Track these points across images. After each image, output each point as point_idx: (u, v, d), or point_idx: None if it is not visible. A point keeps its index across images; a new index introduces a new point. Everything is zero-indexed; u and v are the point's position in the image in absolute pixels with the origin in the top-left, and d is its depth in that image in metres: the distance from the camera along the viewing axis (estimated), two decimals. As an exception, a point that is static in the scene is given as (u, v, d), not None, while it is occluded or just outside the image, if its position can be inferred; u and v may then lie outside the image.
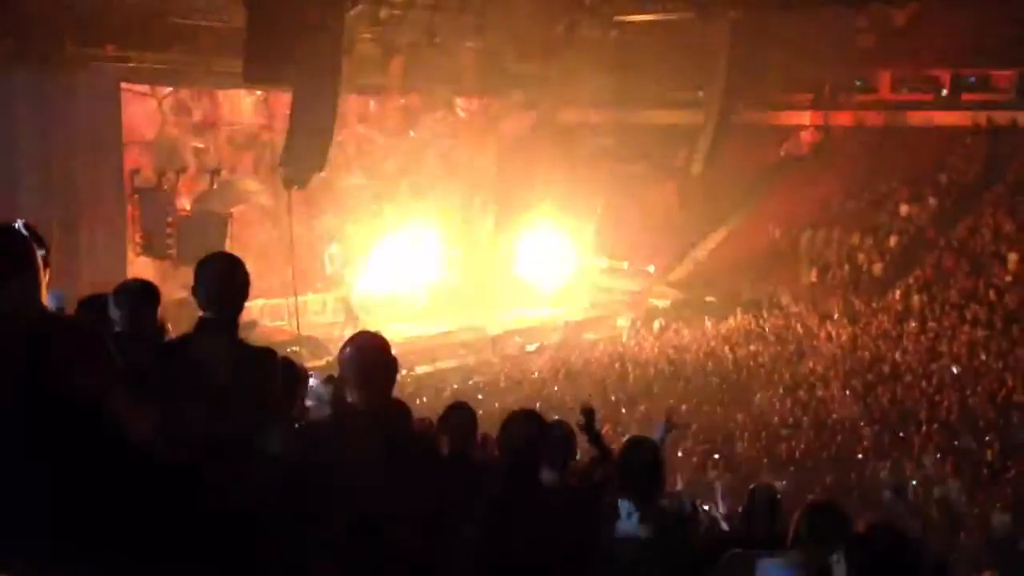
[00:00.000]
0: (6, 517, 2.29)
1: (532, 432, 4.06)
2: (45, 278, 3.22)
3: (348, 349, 3.38)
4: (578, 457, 5.67)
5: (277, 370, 3.43)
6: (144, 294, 3.97)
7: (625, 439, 4.98)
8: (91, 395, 2.46)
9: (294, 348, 19.56)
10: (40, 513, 2.32)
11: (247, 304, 3.50)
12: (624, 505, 4.19)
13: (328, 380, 5.27)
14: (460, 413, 5.63)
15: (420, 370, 21.62)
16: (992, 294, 21.84)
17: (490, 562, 3.61)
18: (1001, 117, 26.33)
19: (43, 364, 2.43)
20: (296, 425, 3.71)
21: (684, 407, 18.13)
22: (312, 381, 5.39)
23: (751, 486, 5.75)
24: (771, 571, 4.00)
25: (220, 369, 3.28)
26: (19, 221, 3.23)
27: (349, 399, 3.44)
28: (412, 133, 29.68)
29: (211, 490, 3.02)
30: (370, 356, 3.37)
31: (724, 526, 7.08)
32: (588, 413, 6.04)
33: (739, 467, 14.95)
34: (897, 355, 20.02)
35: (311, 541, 3.21)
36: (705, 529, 6.23)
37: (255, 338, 3.98)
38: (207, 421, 3.15)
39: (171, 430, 2.96)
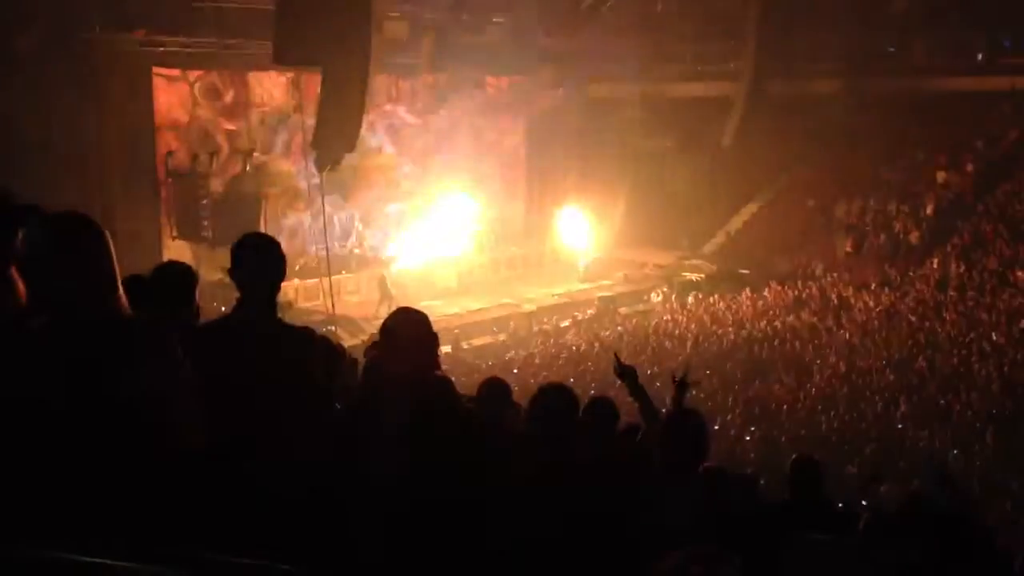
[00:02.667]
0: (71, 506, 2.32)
1: (563, 405, 4.06)
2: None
3: (390, 325, 3.39)
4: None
5: (317, 349, 3.44)
6: (182, 276, 3.99)
7: (668, 411, 4.96)
8: (149, 399, 2.48)
9: (330, 327, 19.67)
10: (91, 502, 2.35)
11: (282, 285, 3.51)
12: (668, 476, 4.19)
13: (369, 352, 5.28)
14: (495, 388, 5.65)
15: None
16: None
17: (521, 534, 3.61)
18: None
19: (106, 365, 2.44)
20: (336, 403, 3.72)
21: (719, 380, 18.10)
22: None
23: (793, 456, 5.70)
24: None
25: (259, 349, 3.30)
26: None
27: (390, 374, 3.46)
28: (442, 112, 29.66)
29: (251, 473, 3.04)
30: (413, 331, 3.38)
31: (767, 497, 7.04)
32: (628, 371, 5.83)
33: (777, 439, 14.88)
34: (936, 324, 19.83)
35: (354, 519, 3.23)
36: (750, 501, 6.18)
37: (291, 318, 3.99)
38: (248, 402, 3.17)
39: (211, 413, 2.98)
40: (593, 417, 5.15)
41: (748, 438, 14.99)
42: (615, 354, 6.34)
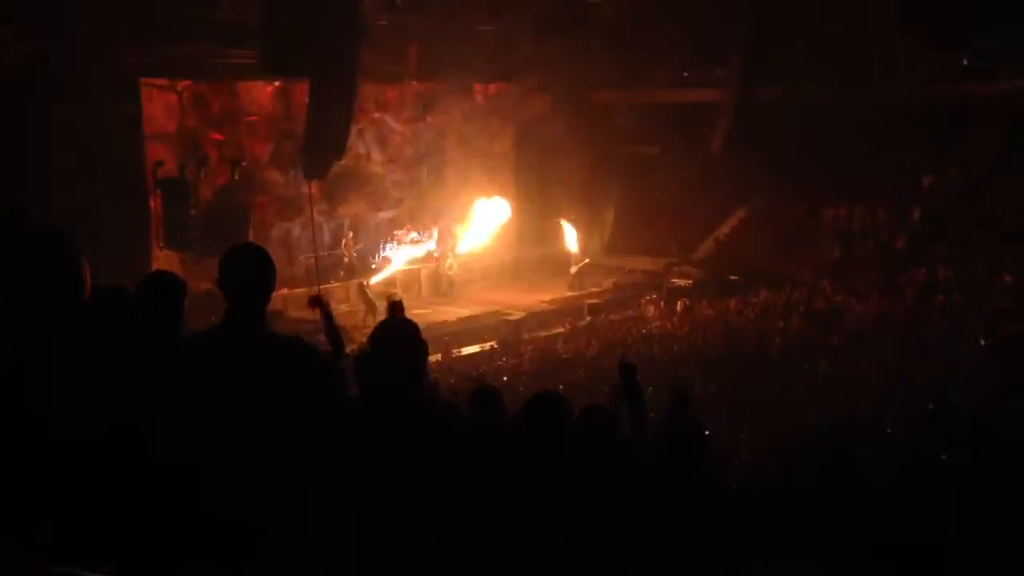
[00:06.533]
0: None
1: (554, 413, 4.05)
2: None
3: (380, 334, 3.38)
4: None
5: (306, 358, 3.43)
6: (170, 286, 3.98)
7: (662, 419, 4.95)
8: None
9: (318, 337, 19.59)
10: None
11: (272, 294, 3.50)
12: (661, 482, 4.19)
13: (358, 361, 5.27)
14: (486, 395, 5.64)
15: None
16: (1018, 265, 21.64)
17: (511, 544, 3.61)
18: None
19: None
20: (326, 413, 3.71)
21: (713, 385, 18.11)
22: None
23: (782, 463, 5.70)
24: None
25: (249, 360, 3.28)
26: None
27: (379, 383, 3.45)
28: (430, 119, 29.67)
29: (240, 485, 3.03)
30: (403, 340, 3.37)
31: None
32: (628, 369, 5.75)
33: (767, 446, 14.88)
34: (924, 328, 19.89)
35: (342, 531, 3.22)
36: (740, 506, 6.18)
37: (280, 328, 3.99)
38: (237, 413, 3.16)
39: (200, 424, 2.97)
40: (587, 426, 5.14)
41: (739, 445, 14.97)
42: (623, 353, 6.34)
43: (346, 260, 27.29)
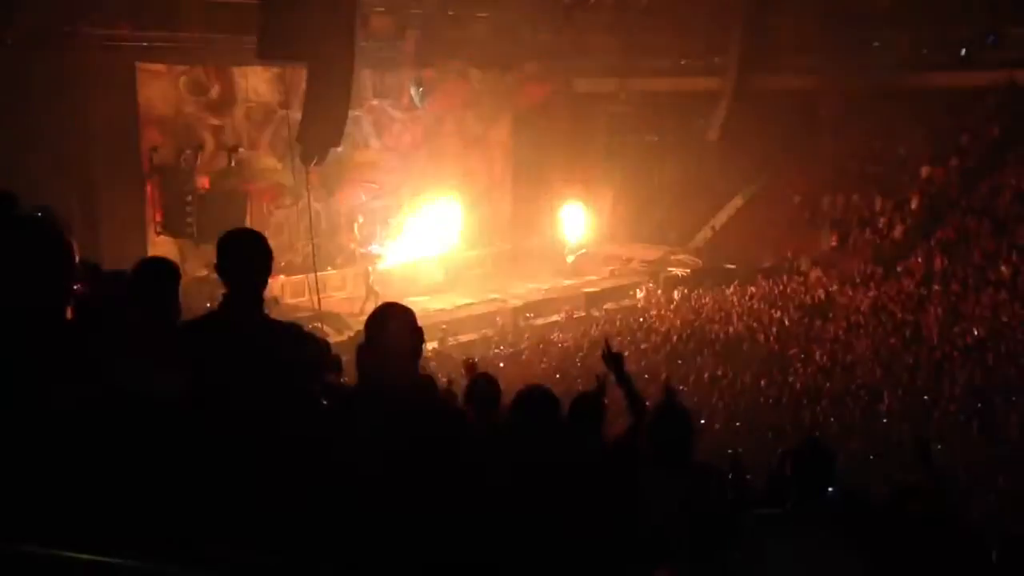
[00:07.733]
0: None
1: (542, 409, 4.06)
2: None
3: (375, 320, 3.37)
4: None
5: (303, 345, 3.43)
6: (165, 272, 3.97)
7: (655, 408, 4.95)
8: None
9: (316, 324, 19.62)
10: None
11: (269, 280, 3.49)
12: (655, 472, 4.20)
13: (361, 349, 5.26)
14: (484, 384, 5.64)
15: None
16: (1015, 255, 21.67)
17: (500, 536, 3.61)
18: (1022, 76, 25.98)
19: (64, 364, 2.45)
20: (322, 399, 3.71)
21: (707, 375, 18.15)
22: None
23: (780, 451, 5.72)
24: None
25: (246, 345, 3.28)
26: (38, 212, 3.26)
27: (374, 370, 3.44)
28: (428, 106, 29.61)
29: (237, 466, 3.03)
30: (396, 327, 3.37)
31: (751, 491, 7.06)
32: (613, 357, 5.75)
33: (762, 434, 14.93)
34: (920, 318, 19.93)
35: (337, 517, 3.22)
36: (734, 494, 6.21)
37: (277, 314, 3.98)
38: (234, 398, 3.16)
39: (198, 407, 2.97)
40: (578, 415, 5.14)
41: (734, 434, 15.02)
42: (606, 339, 6.32)
43: (352, 246, 27.24)
